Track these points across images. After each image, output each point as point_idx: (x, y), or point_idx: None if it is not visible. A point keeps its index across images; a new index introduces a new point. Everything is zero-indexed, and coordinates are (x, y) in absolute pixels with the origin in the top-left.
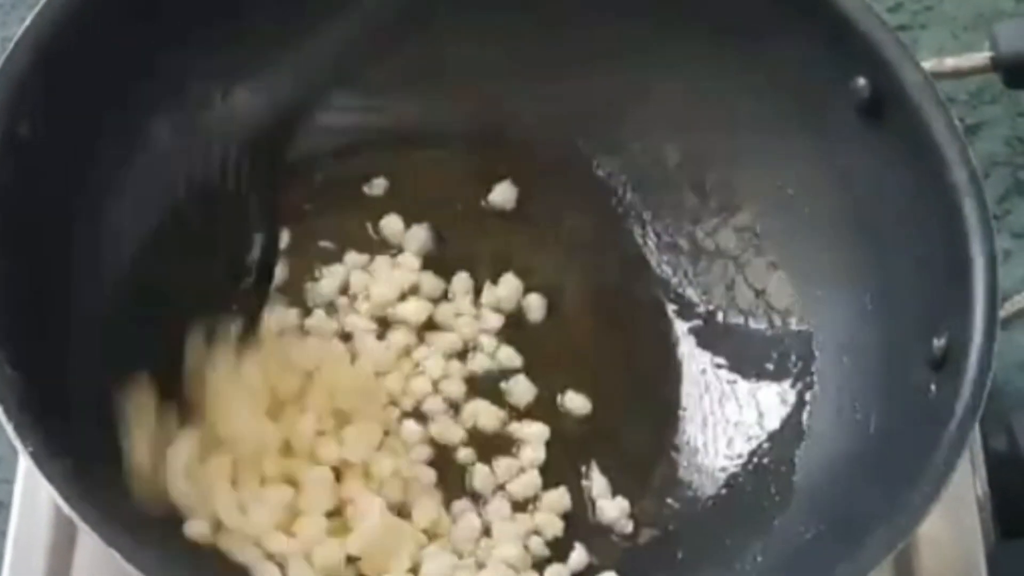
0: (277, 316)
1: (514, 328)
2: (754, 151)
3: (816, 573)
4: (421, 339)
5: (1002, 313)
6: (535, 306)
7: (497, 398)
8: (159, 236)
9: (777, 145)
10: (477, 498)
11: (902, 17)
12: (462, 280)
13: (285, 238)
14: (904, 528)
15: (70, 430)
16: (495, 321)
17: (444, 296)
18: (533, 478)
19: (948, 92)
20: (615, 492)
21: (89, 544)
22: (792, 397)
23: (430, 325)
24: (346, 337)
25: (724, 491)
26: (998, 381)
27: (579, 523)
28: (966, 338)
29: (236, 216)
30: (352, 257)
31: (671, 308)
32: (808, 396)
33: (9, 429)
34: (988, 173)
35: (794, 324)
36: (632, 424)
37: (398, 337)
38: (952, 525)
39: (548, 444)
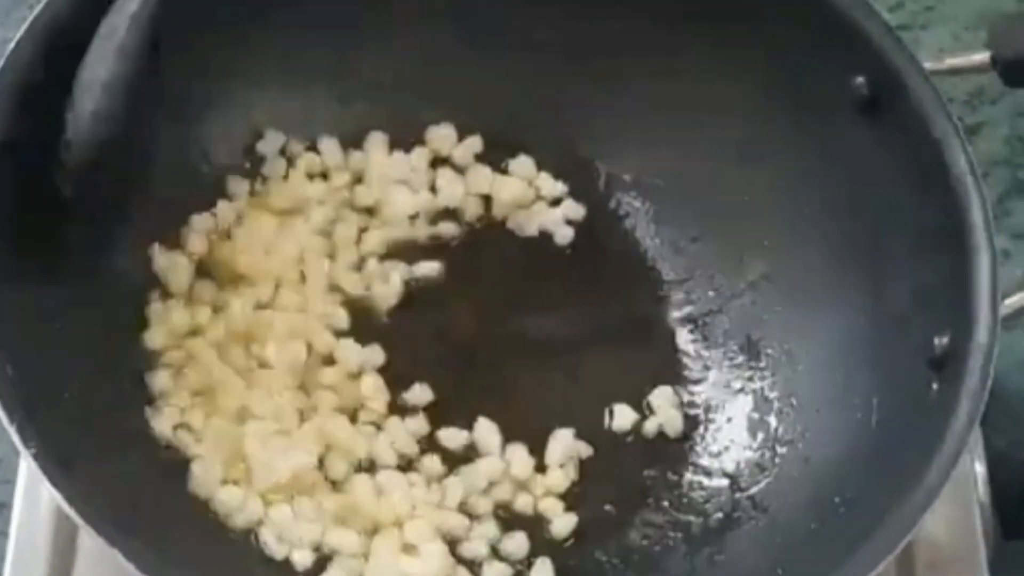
0: None
1: None
2: (751, 145)
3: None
4: None
5: (1002, 311)
6: None
7: None
8: None
9: (774, 140)
10: None
11: (902, 17)
12: None
13: None
14: (905, 527)
15: (70, 431)
16: None
17: None
18: None
19: (948, 92)
20: None
21: (90, 544)
22: (790, 390)
23: None
24: None
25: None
26: (998, 380)
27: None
28: (967, 342)
29: None
30: None
31: (671, 307)
32: (806, 389)
33: (12, 431)
34: (988, 173)
35: (790, 316)
36: None
37: None
38: (953, 526)
39: None
